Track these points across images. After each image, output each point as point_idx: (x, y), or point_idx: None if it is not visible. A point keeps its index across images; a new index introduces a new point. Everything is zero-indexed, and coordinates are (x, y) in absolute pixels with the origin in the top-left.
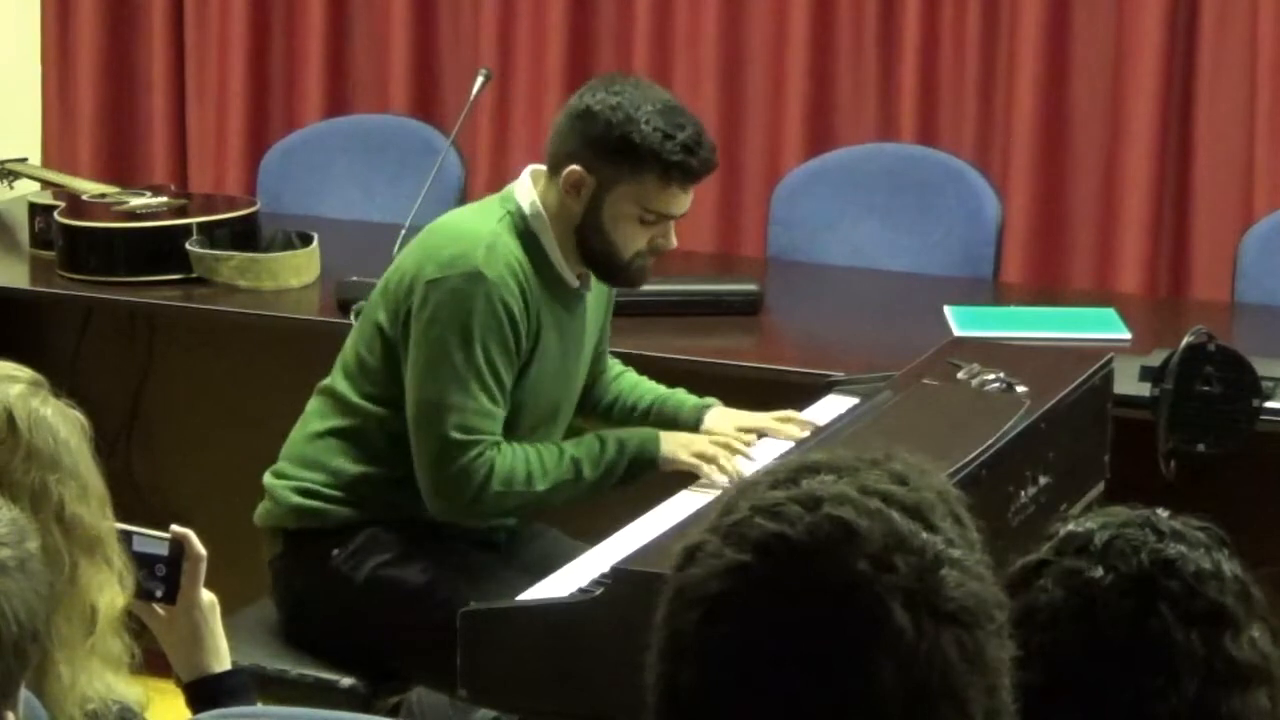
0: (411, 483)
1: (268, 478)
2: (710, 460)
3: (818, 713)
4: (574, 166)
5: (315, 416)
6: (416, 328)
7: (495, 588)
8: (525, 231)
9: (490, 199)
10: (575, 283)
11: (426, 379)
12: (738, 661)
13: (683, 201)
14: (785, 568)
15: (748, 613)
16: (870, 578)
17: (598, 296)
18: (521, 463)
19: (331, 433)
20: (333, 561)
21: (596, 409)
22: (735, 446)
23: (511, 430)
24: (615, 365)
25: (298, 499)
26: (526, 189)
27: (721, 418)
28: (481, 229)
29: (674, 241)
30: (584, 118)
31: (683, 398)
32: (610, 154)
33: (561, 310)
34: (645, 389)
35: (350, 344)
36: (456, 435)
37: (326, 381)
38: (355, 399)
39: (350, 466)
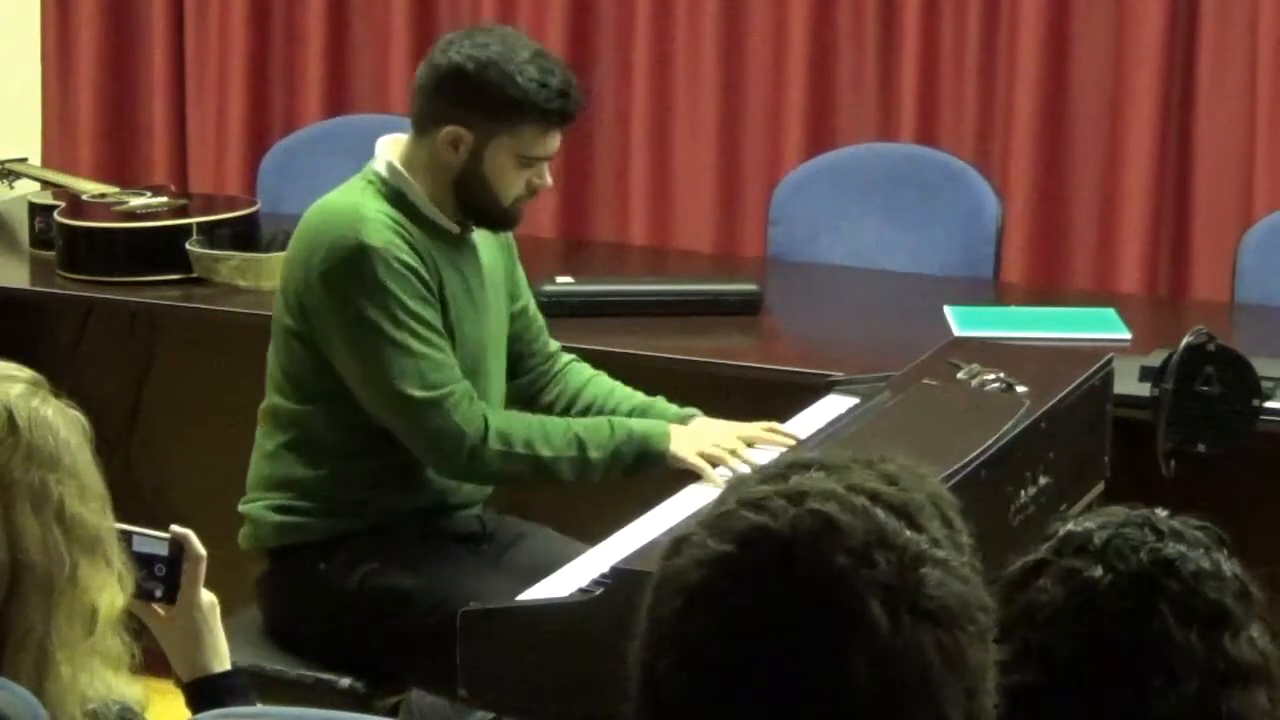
0: (374, 472)
1: (243, 505)
2: (716, 463)
3: (791, 705)
4: (451, 126)
5: (264, 438)
6: (334, 320)
7: (488, 589)
8: (390, 193)
9: (352, 178)
10: (455, 229)
11: (368, 361)
12: (714, 650)
13: (557, 141)
14: (765, 559)
15: (726, 602)
16: (848, 572)
17: (488, 240)
18: (521, 425)
19: (283, 447)
20: (320, 575)
21: (569, 411)
22: (740, 453)
23: None
24: (585, 369)
25: (277, 516)
26: (383, 156)
27: (704, 428)
28: (347, 204)
29: (549, 181)
30: (456, 76)
31: (663, 407)
32: (488, 110)
33: (452, 252)
34: (622, 395)
35: (272, 359)
36: (419, 394)
37: (264, 404)
38: (293, 406)
39: (310, 473)
